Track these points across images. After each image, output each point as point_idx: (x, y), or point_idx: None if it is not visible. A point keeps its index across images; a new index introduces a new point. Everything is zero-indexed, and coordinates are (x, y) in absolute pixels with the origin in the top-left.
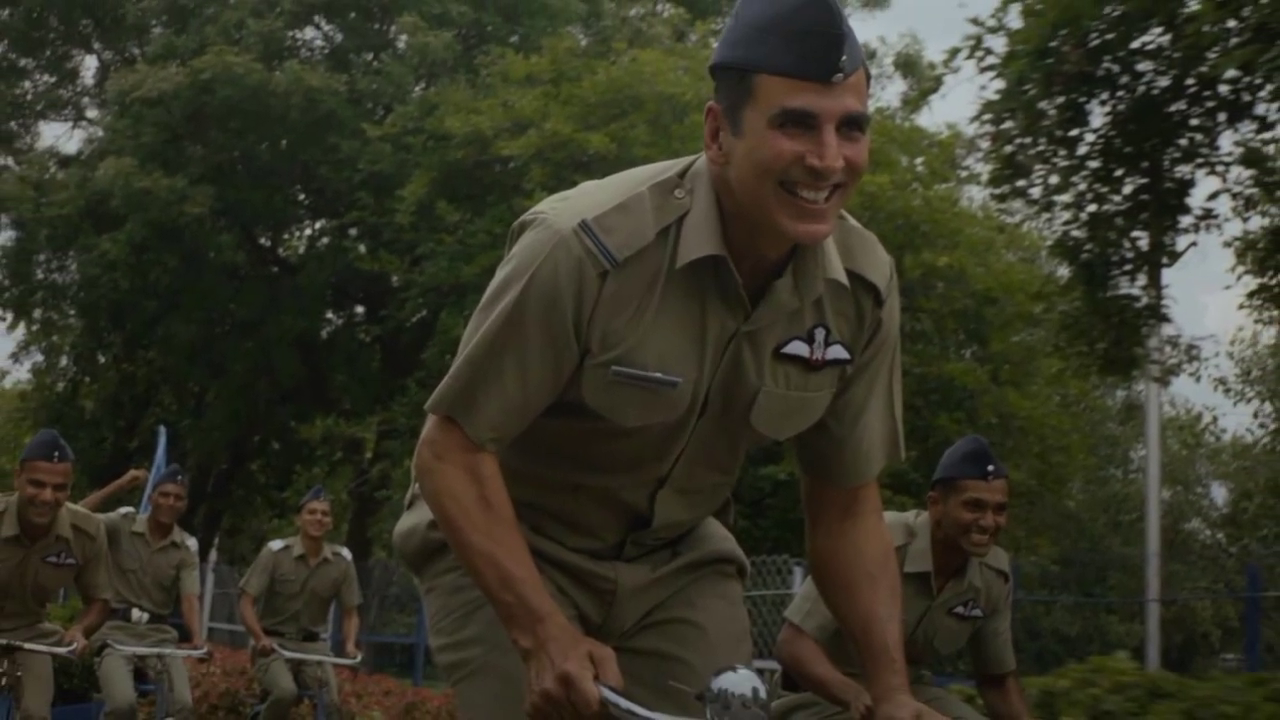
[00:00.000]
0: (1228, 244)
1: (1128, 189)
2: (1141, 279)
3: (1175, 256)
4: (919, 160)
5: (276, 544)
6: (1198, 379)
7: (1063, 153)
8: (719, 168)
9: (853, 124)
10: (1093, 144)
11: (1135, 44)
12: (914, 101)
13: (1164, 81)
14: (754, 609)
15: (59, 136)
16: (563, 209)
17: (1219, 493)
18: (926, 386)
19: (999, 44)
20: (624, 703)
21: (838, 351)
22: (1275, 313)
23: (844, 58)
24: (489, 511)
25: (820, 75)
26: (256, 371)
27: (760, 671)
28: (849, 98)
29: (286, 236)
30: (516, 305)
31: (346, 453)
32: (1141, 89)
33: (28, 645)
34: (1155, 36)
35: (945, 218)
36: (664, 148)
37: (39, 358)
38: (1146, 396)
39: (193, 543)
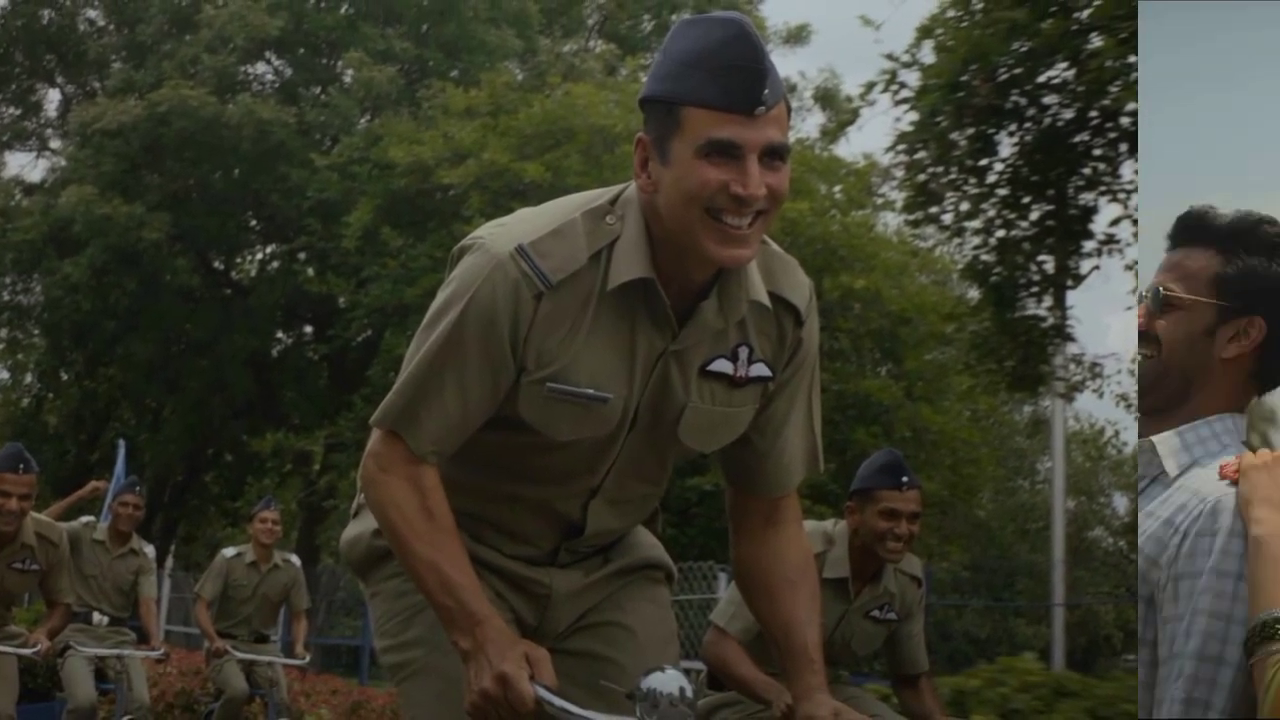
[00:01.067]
0: (1129, 267)
1: (1034, 215)
2: (1047, 300)
3: (1079, 279)
4: (837, 188)
5: (229, 551)
6: (1101, 395)
7: (973, 181)
8: (648, 195)
9: (774, 154)
10: (1001, 173)
11: (1041, 78)
12: (832, 133)
13: (1068, 114)
14: (681, 612)
15: (24, 166)
16: (500, 234)
17: (1121, 502)
18: (844, 402)
19: (913, 78)
20: (558, 701)
21: (760, 369)
22: None
23: (766, 91)
24: (431, 520)
25: (744, 108)
26: (211, 388)
27: (687, 671)
28: (771, 129)
29: (239, 260)
30: (456, 325)
31: (296, 465)
32: (1047, 121)
33: None
34: (1060, 71)
35: (862, 243)
36: (596, 176)
37: (4, 375)
38: (1052, 412)
39: (150, 550)
